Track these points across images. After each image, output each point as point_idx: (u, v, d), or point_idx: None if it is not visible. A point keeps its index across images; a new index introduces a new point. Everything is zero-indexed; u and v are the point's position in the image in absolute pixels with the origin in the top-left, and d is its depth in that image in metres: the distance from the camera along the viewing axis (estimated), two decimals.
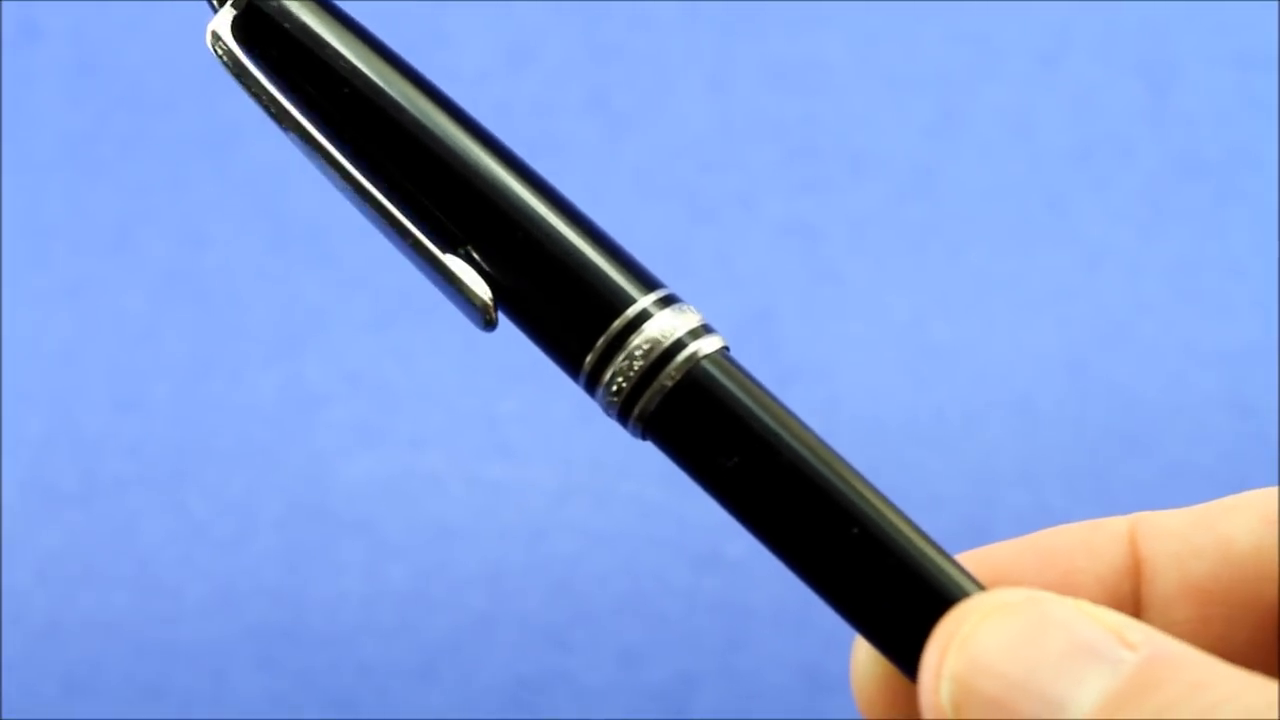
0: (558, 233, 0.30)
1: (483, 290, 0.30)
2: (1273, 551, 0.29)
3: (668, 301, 0.29)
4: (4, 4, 0.70)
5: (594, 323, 0.29)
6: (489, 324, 0.30)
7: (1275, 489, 0.31)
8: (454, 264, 0.30)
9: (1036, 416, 0.67)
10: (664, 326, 0.28)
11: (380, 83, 0.31)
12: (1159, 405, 0.67)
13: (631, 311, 0.29)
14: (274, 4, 0.30)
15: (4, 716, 0.64)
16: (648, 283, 0.29)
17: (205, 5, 0.31)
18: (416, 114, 0.31)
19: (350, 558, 0.66)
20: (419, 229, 0.31)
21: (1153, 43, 0.70)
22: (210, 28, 0.30)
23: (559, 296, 0.29)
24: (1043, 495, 0.66)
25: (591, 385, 0.29)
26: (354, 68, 0.30)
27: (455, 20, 0.70)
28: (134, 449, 0.67)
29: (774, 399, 0.28)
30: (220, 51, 0.30)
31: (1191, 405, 0.67)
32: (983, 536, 0.70)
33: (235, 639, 0.66)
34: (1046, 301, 0.68)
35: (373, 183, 0.31)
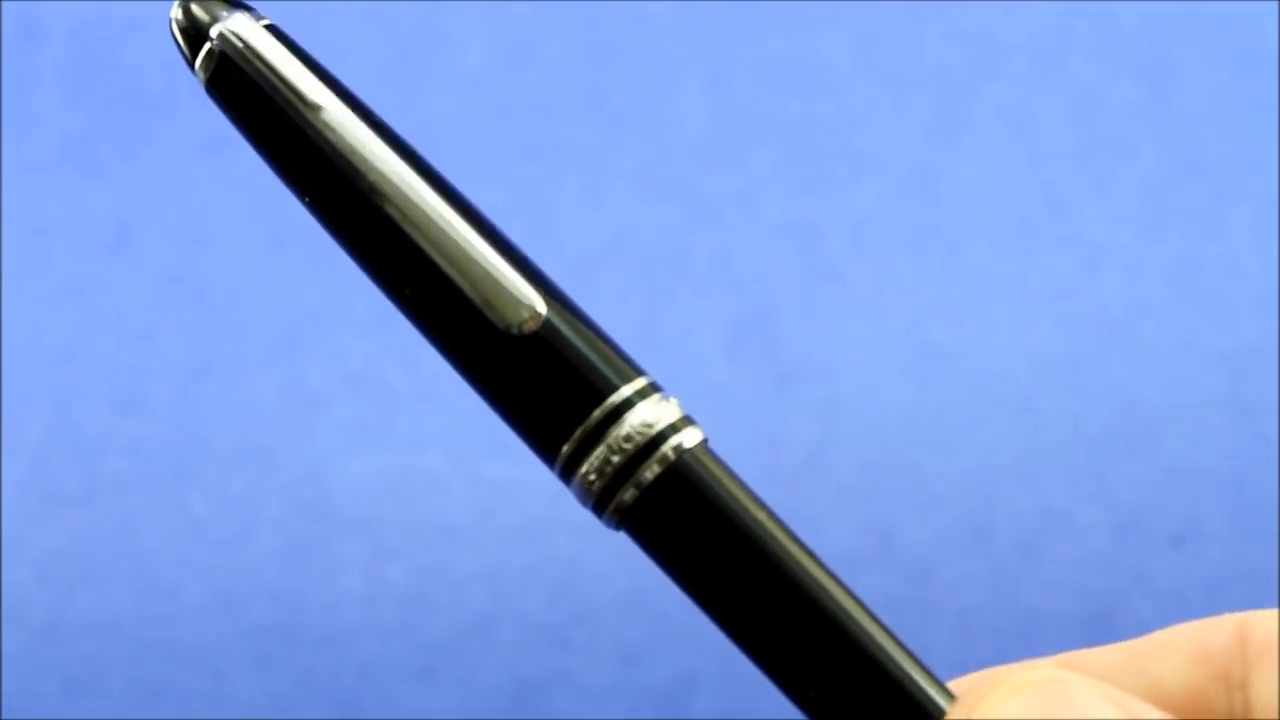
0: (571, 305, 0.29)
1: (536, 297, 0.29)
2: (1204, 695, 0.29)
3: (650, 390, 0.28)
4: (4, 4, 0.70)
5: (574, 408, 0.28)
6: (509, 329, 0.28)
7: (1204, 623, 0.30)
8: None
9: (1036, 416, 0.67)
10: (647, 416, 0.28)
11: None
12: (1159, 405, 0.67)
13: (615, 399, 0.28)
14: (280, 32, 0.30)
15: (4, 716, 0.64)
16: (630, 369, 0.28)
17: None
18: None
19: (350, 558, 0.66)
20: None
21: (1153, 43, 0.70)
22: (242, 20, 0.30)
23: (535, 377, 0.28)
24: (1043, 495, 0.66)
25: (567, 472, 0.28)
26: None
27: (455, 20, 0.70)
28: (134, 449, 0.67)
29: (755, 496, 0.28)
30: (251, 40, 0.29)
31: (1191, 405, 0.67)
32: (983, 536, 0.70)
33: (235, 639, 0.66)
34: (1046, 301, 0.68)
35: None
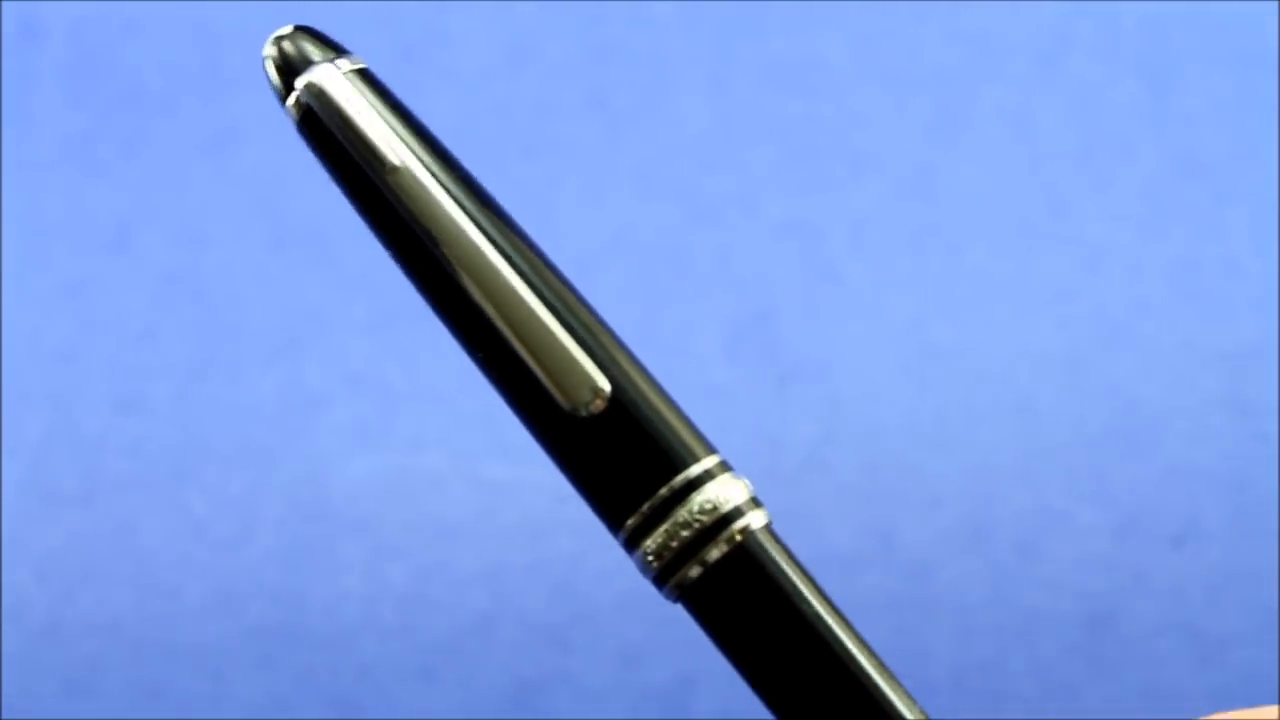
0: (642, 371, 0.28)
1: (601, 376, 0.28)
2: None
3: (719, 470, 0.28)
4: (4, 4, 0.70)
5: (641, 484, 0.28)
6: (582, 410, 0.28)
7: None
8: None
9: (1036, 416, 0.67)
10: (715, 496, 0.28)
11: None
12: (1159, 405, 0.67)
13: (683, 478, 0.28)
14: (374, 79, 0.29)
15: (4, 716, 0.64)
16: (701, 447, 0.28)
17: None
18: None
19: (350, 558, 0.66)
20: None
21: (1153, 43, 0.70)
22: (327, 68, 0.29)
23: (603, 453, 0.28)
24: (1043, 495, 0.66)
25: (631, 544, 0.28)
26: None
27: (455, 20, 0.70)
28: (134, 449, 0.67)
29: (816, 583, 0.28)
30: (335, 91, 0.29)
31: (1191, 405, 0.67)
32: (983, 536, 0.70)
33: (235, 639, 0.66)
34: (1046, 301, 0.68)
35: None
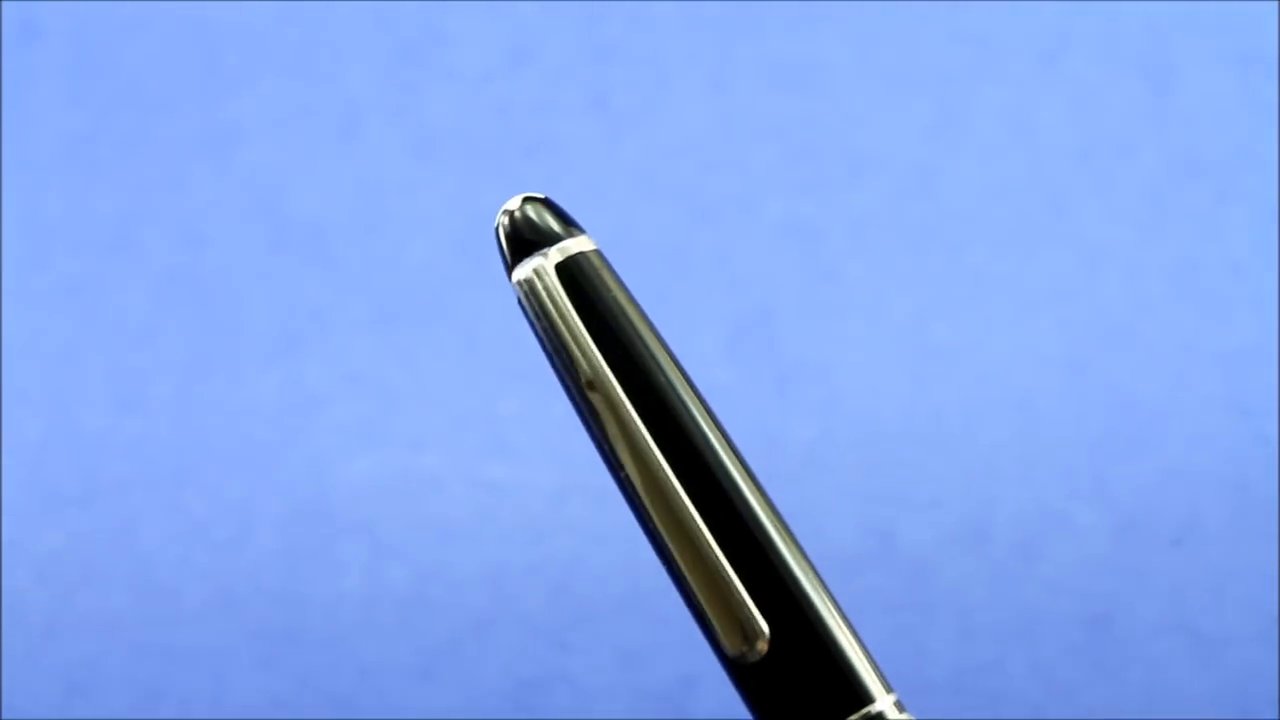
0: (826, 602, 0.27)
1: (761, 619, 0.27)
2: None
3: (901, 707, 0.27)
4: (4, 4, 0.70)
5: (827, 711, 0.27)
6: (741, 655, 0.27)
7: None
8: (739, 580, 0.27)
9: (1036, 416, 0.67)
10: None
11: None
12: (1159, 405, 0.67)
13: (874, 709, 0.27)
14: (596, 268, 0.28)
15: (4, 716, 0.64)
16: (886, 682, 0.27)
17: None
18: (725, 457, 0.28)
19: (350, 558, 0.66)
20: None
21: (1153, 43, 0.70)
22: (533, 265, 0.28)
23: (807, 665, 0.27)
24: (1043, 495, 0.66)
25: None
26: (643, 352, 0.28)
27: (455, 20, 0.70)
28: (134, 449, 0.67)
29: None
30: (541, 286, 0.28)
31: (1191, 405, 0.67)
32: (983, 536, 0.70)
33: (235, 640, 0.66)
34: (1046, 301, 0.68)
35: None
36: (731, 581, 0.27)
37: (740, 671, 0.27)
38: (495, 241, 0.29)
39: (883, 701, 0.27)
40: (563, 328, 0.28)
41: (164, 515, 0.67)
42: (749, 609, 0.27)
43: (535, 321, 0.29)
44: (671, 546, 0.27)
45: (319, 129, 0.69)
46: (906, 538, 0.65)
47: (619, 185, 0.69)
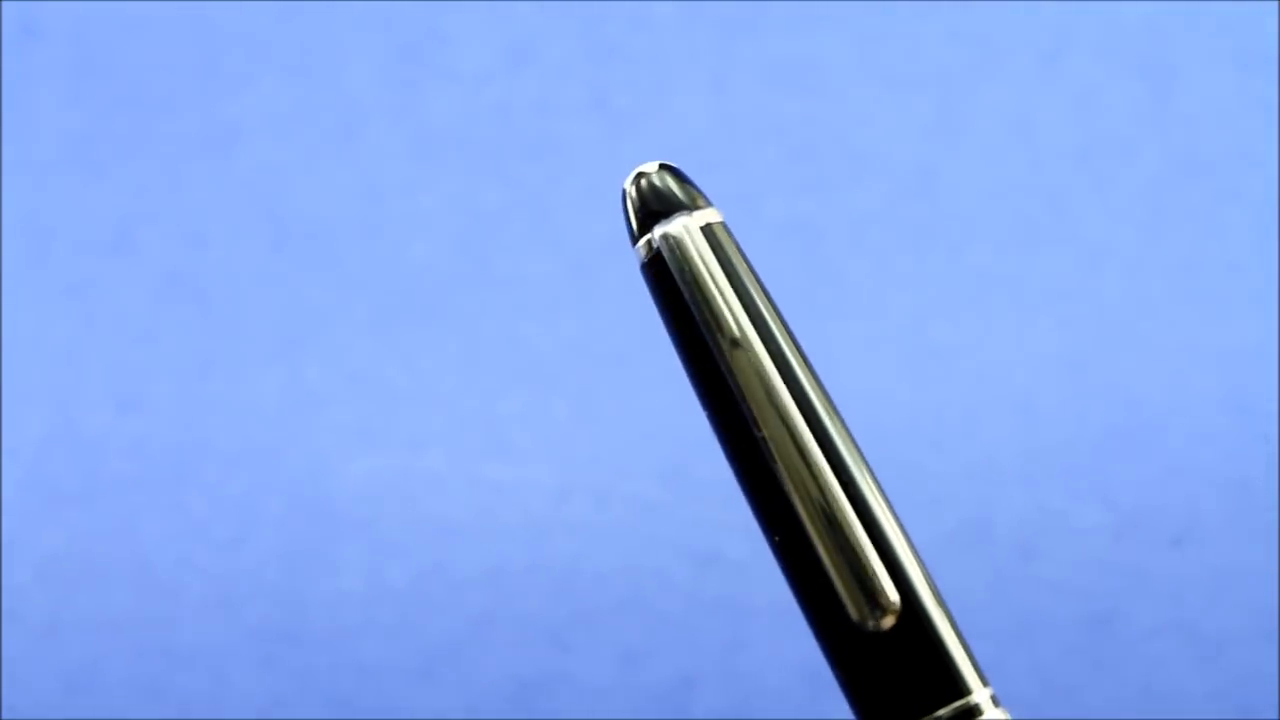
0: (933, 590, 0.27)
1: (892, 589, 0.27)
2: None
3: (996, 701, 0.27)
4: (4, 4, 0.70)
5: (930, 695, 0.27)
6: (870, 625, 0.27)
7: None
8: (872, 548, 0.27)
9: (1036, 416, 0.67)
10: None
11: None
12: (1159, 405, 0.67)
13: (973, 700, 0.27)
14: (729, 235, 0.29)
15: (4, 716, 0.64)
16: (976, 679, 0.27)
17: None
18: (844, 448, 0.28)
19: (350, 558, 0.66)
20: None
21: (1153, 43, 0.70)
22: (676, 225, 0.29)
23: (917, 649, 0.27)
24: (1043, 495, 0.66)
25: None
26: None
27: (455, 20, 0.70)
28: (134, 449, 0.67)
29: None
30: (690, 243, 0.28)
31: (1191, 405, 0.67)
32: (983, 536, 0.70)
33: (235, 639, 0.66)
34: (1046, 301, 0.68)
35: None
36: (866, 548, 0.27)
37: (853, 640, 0.27)
38: (622, 202, 0.30)
39: (980, 694, 0.27)
40: (711, 285, 0.29)
41: (164, 515, 0.67)
42: (882, 579, 0.27)
43: (680, 277, 0.28)
44: (803, 510, 0.27)
45: (319, 129, 0.69)
46: None
47: (619, 185, 0.69)
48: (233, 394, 0.68)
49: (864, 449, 0.29)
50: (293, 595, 0.66)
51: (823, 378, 0.29)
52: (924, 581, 0.27)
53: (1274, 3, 0.69)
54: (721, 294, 0.29)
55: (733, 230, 0.30)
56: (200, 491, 0.67)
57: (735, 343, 0.28)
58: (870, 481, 0.28)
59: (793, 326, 0.29)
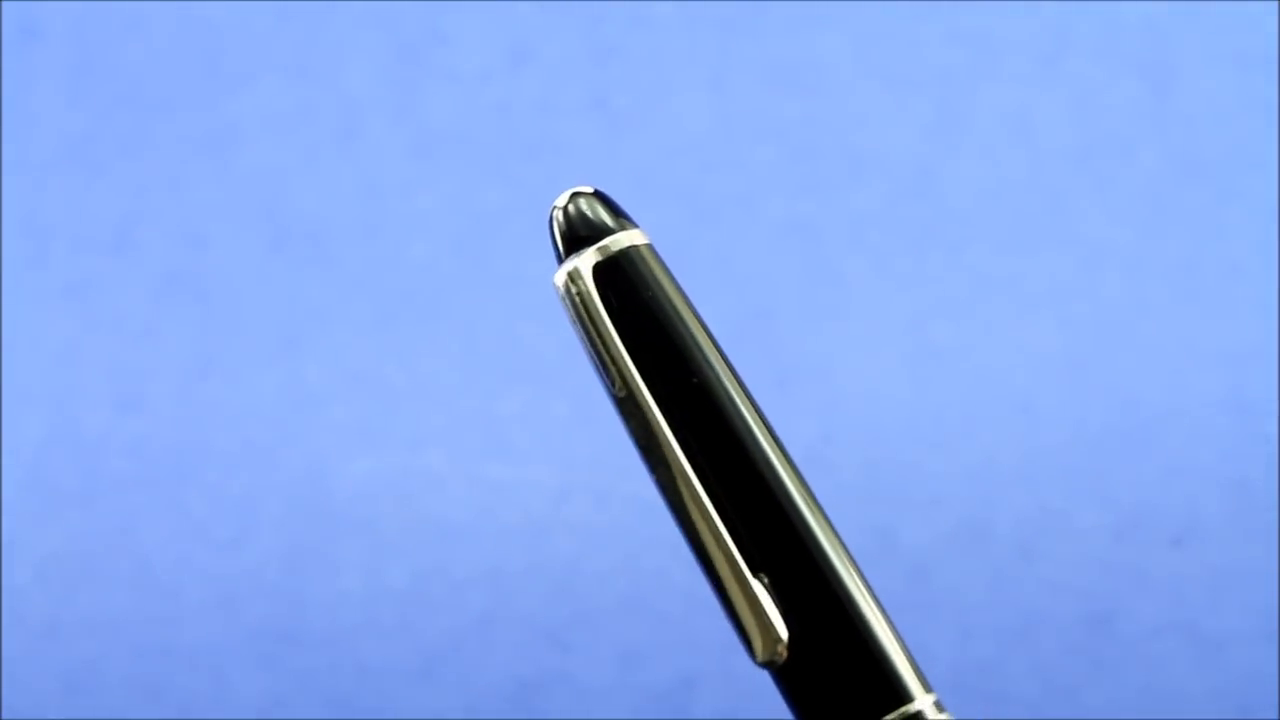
0: (861, 602, 0.27)
1: (780, 625, 0.27)
2: None
3: (940, 707, 0.27)
4: (4, 4, 0.70)
5: (864, 711, 0.27)
6: (770, 660, 0.27)
7: None
8: (758, 588, 0.27)
9: (1036, 416, 0.67)
10: None
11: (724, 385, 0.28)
12: (1159, 405, 0.67)
13: (911, 708, 0.27)
14: (636, 267, 0.28)
15: (4, 716, 0.64)
16: (925, 681, 0.27)
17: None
18: (760, 437, 0.28)
19: (350, 558, 0.66)
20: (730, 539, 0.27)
21: (1153, 43, 0.70)
22: (568, 267, 0.28)
23: (840, 665, 0.27)
24: (1043, 495, 0.66)
25: None
26: (699, 361, 0.28)
27: (455, 20, 0.70)
28: (134, 449, 0.67)
29: None
30: (575, 291, 0.28)
31: (1191, 405, 0.67)
32: (983, 536, 0.70)
33: (235, 639, 0.66)
34: (1046, 301, 0.68)
35: (691, 479, 0.28)
36: (751, 591, 0.27)
37: (775, 675, 0.27)
38: (550, 226, 0.29)
39: (922, 700, 0.27)
40: (594, 333, 0.28)
41: (164, 515, 0.67)
42: (767, 616, 0.27)
43: (572, 324, 0.28)
44: (697, 551, 0.27)
45: (319, 129, 0.69)
46: (906, 538, 0.65)
47: (619, 185, 0.69)
48: (232, 394, 0.68)
49: (800, 467, 0.29)
50: (293, 595, 0.66)
51: (752, 394, 0.29)
52: (840, 602, 0.27)
53: (1274, 2, 0.69)
54: (604, 343, 0.28)
55: (657, 251, 0.29)
56: (200, 491, 0.67)
57: (620, 390, 0.28)
58: (775, 506, 0.28)
59: (716, 341, 0.28)
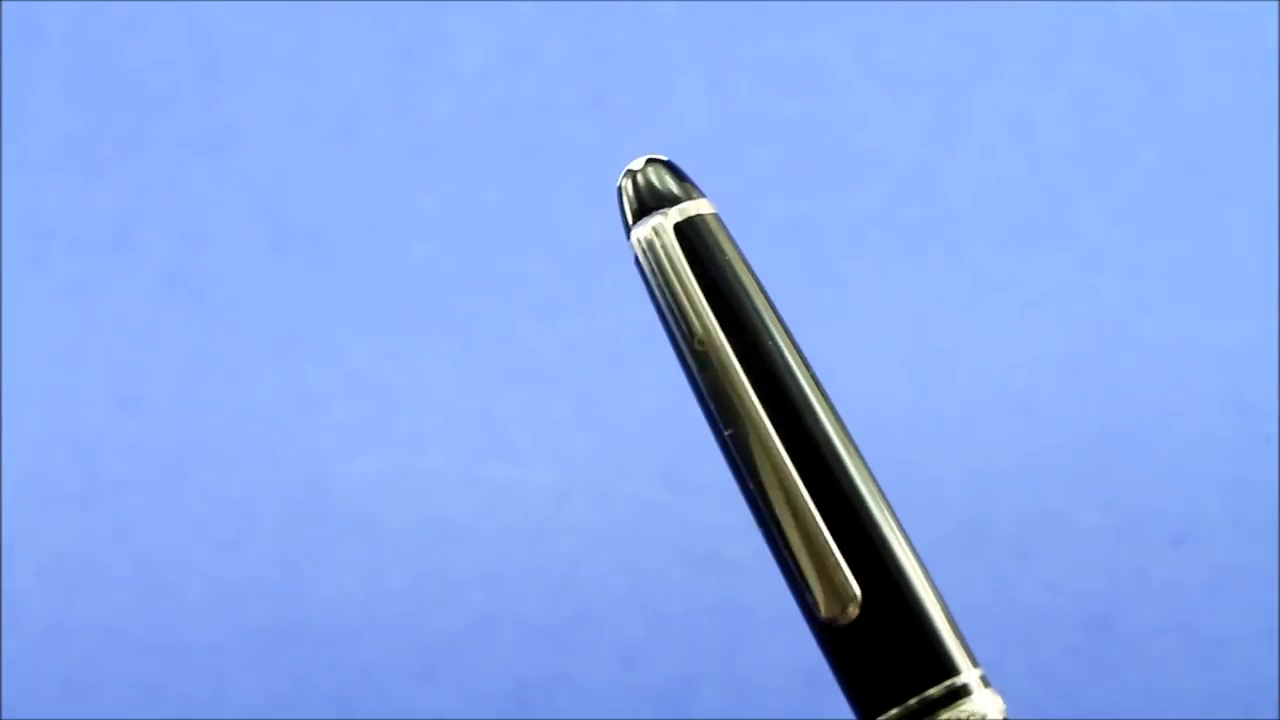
0: (921, 572, 0.28)
1: (854, 584, 0.27)
2: None
3: (986, 681, 0.28)
4: (4, 4, 0.70)
5: (915, 677, 0.27)
6: (832, 619, 0.27)
7: None
8: (835, 545, 0.27)
9: (1036, 416, 0.67)
10: (980, 706, 0.27)
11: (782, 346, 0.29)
12: (1159, 405, 0.67)
13: (959, 680, 0.27)
14: (714, 231, 0.29)
15: (4, 717, 0.64)
16: (973, 656, 0.27)
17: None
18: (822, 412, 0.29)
19: (350, 558, 0.66)
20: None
21: (1153, 43, 0.70)
22: (652, 222, 0.29)
23: (899, 632, 0.27)
24: (1043, 495, 0.66)
25: None
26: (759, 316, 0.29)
27: (455, 20, 0.70)
28: (134, 449, 0.67)
29: None
30: (660, 245, 0.29)
31: (1191, 405, 0.67)
32: (983, 536, 0.70)
33: (235, 639, 0.66)
34: (1046, 301, 0.68)
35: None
36: (828, 544, 0.27)
37: (831, 636, 0.27)
38: (617, 200, 0.30)
39: (969, 674, 0.27)
40: (678, 285, 0.29)
41: (164, 515, 0.67)
42: (844, 572, 0.27)
43: (650, 278, 0.29)
44: (771, 506, 0.28)
45: (319, 129, 0.69)
46: None
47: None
48: (232, 394, 0.68)
49: (860, 444, 0.29)
50: (293, 595, 0.66)
51: (816, 370, 0.29)
52: (895, 569, 0.28)
53: (1274, 2, 0.69)
54: (687, 295, 0.29)
55: (724, 221, 0.30)
56: (200, 492, 0.67)
57: (701, 342, 0.28)
58: (843, 470, 0.28)
59: (786, 319, 0.30)
